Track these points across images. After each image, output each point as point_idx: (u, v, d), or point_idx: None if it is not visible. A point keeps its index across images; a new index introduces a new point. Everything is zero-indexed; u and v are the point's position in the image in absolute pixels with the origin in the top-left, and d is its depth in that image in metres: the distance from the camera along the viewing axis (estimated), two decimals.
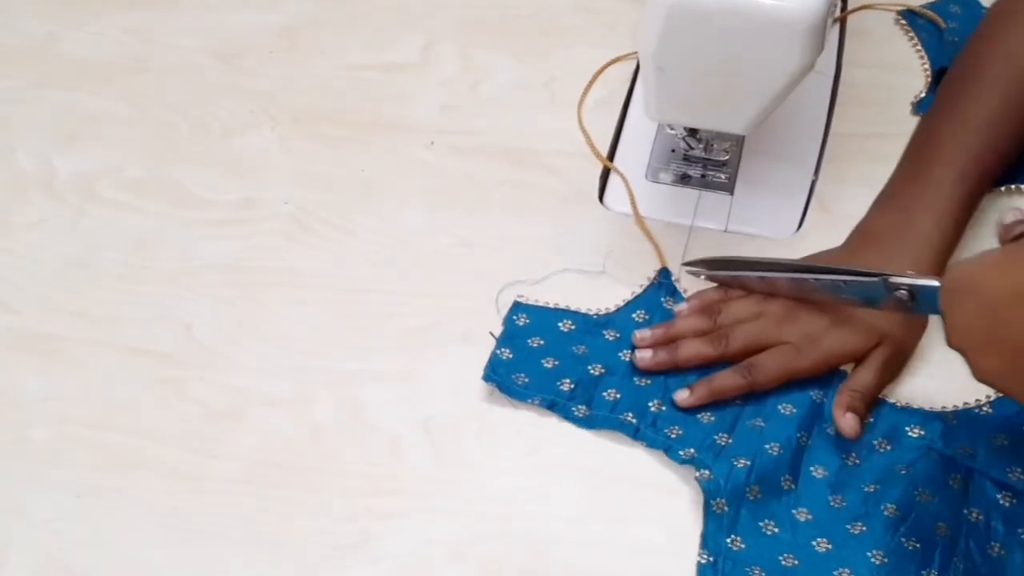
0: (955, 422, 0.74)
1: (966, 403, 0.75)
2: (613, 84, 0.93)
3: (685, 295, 0.81)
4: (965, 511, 0.70)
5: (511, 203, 0.88)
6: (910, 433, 0.74)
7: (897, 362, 0.77)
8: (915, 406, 0.75)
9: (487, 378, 0.78)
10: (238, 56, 0.98)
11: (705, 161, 0.87)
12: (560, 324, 0.80)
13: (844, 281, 0.72)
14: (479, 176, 0.89)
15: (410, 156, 0.91)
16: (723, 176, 0.87)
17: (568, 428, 0.77)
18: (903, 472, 0.72)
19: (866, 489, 0.72)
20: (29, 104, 0.97)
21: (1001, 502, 0.70)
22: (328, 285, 0.85)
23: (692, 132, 0.84)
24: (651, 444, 0.75)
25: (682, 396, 0.76)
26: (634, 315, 0.81)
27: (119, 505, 0.76)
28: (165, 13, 1.01)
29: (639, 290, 0.82)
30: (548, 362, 0.79)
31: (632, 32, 0.94)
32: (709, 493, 0.72)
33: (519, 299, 0.82)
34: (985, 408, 0.74)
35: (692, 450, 0.73)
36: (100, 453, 0.78)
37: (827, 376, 0.76)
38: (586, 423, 0.76)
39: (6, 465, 0.78)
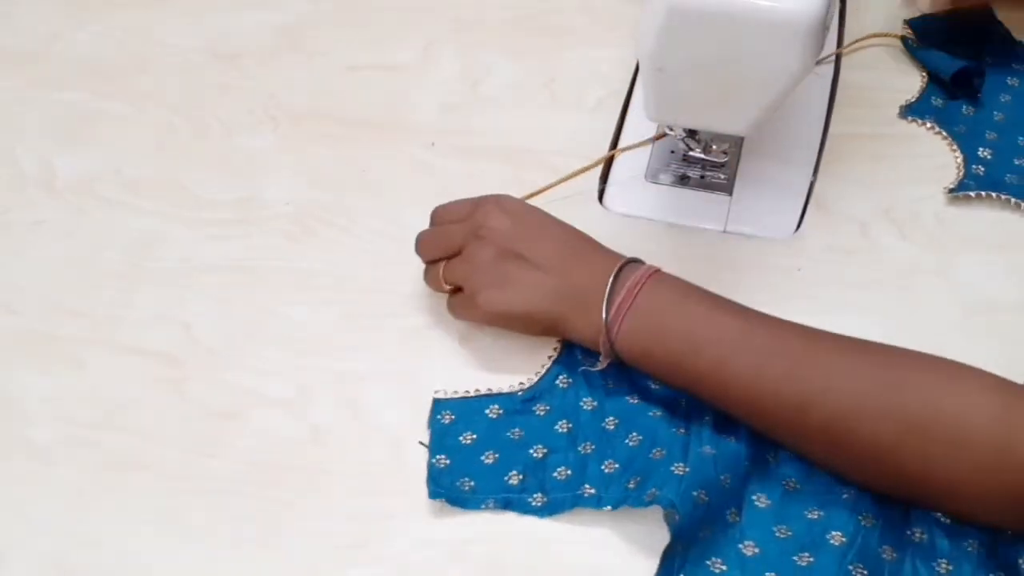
0: None
1: None
2: (613, 84, 0.93)
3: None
4: (908, 532, 0.70)
5: None
6: None
7: None
8: None
9: (433, 495, 0.74)
10: (238, 56, 0.98)
11: (704, 162, 0.87)
12: (487, 411, 0.77)
13: None
14: (479, 176, 0.89)
15: (410, 156, 0.91)
16: (722, 177, 0.87)
17: None
18: (845, 497, 0.71)
19: (810, 516, 0.70)
20: (29, 104, 0.97)
21: (941, 519, 0.70)
22: (328, 285, 0.85)
23: (691, 133, 0.85)
24: (616, 505, 0.72)
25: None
26: (557, 382, 0.78)
27: (119, 505, 0.76)
28: (165, 13, 1.01)
29: (554, 353, 0.79)
30: (488, 457, 0.75)
31: (632, 32, 0.94)
32: (674, 535, 0.69)
33: (437, 396, 0.78)
34: None
35: (654, 490, 0.71)
36: (100, 453, 0.78)
37: None
38: (547, 511, 0.73)
39: (6, 465, 0.78)
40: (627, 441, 0.74)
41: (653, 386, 0.77)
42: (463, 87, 0.95)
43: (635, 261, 0.77)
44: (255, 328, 0.83)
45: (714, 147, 0.86)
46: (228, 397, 0.80)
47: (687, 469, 0.72)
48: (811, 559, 0.69)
